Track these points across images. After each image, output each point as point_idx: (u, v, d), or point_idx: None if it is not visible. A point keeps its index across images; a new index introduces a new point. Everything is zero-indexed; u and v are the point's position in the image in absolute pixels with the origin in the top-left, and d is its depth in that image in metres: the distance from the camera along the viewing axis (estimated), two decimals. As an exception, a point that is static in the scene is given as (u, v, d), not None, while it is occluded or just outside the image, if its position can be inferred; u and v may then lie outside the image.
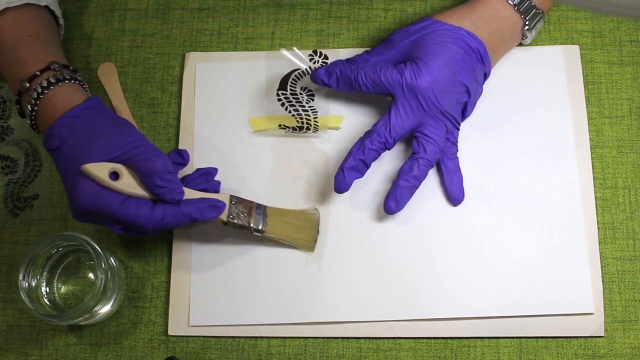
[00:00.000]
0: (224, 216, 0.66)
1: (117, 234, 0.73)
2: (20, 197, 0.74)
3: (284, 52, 0.75)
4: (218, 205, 0.65)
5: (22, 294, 0.65)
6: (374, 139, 0.67)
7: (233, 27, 0.79)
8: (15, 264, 0.73)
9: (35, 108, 0.65)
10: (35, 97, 0.64)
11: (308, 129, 0.73)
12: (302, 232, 0.70)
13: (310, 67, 0.75)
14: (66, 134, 0.63)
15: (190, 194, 0.65)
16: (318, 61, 0.76)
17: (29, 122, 0.67)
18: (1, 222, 0.74)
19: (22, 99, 0.66)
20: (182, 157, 0.69)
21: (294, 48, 0.75)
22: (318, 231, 0.71)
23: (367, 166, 0.68)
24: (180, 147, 0.75)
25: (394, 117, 0.67)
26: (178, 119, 0.76)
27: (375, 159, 0.68)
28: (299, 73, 0.75)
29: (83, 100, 0.65)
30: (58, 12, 0.71)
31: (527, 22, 0.71)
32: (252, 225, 0.67)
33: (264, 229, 0.68)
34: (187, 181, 0.69)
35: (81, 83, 0.68)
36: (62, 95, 0.65)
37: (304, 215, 0.71)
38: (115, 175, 0.62)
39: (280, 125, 0.74)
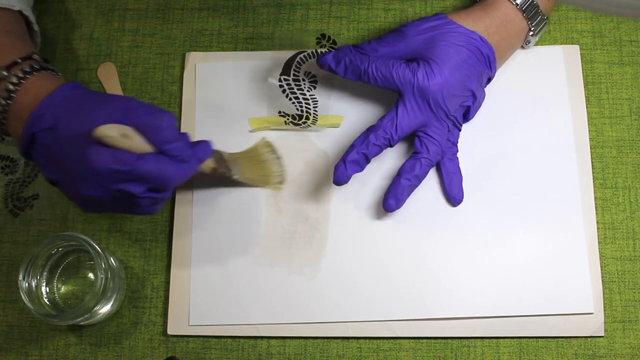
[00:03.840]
0: (211, 162, 0.64)
1: (116, 234, 0.73)
2: (20, 197, 0.74)
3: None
4: (210, 145, 0.64)
5: (22, 294, 0.65)
6: (379, 135, 0.67)
7: (233, 27, 0.79)
8: (15, 264, 0.73)
9: (12, 96, 0.62)
10: (16, 82, 0.62)
11: (307, 118, 0.73)
12: (267, 167, 0.71)
13: (316, 51, 0.75)
14: (60, 111, 0.60)
15: None
16: (325, 45, 0.75)
17: None
18: (1, 222, 0.74)
19: None
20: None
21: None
22: (279, 157, 0.71)
23: (368, 161, 0.68)
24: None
25: (401, 114, 0.67)
26: (178, 119, 0.76)
27: (377, 154, 0.68)
28: (304, 56, 0.75)
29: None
30: (32, 18, 0.69)
31: (532, 28, 0.71)
32: (233, 172, 0.67)
33: (239, 175, 0.68)
34: None
35: (59, 77, 0.65)
36: (47, 80, 0.63)
37: (257, 149, 0.71)
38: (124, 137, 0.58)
39: (280, 113, 0.73)
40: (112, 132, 0.57)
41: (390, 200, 0.68)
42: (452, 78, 0.67)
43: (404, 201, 0.68)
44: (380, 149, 0.68)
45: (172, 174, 0.59)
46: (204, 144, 0.64)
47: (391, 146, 0.68)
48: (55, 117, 0.60)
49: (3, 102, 0.62)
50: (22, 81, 0.62)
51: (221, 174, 0.66)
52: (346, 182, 0.68)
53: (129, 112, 0.59)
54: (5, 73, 0.62)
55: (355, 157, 0.67)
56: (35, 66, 0.63)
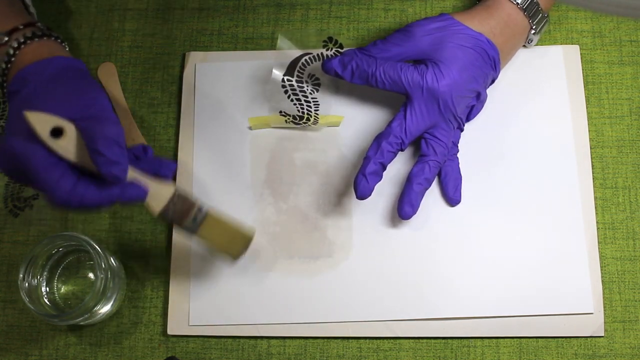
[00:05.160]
0: (157, 207, 0.60)
1: (116, 234, 0.73)
2: (20, 197, 0.74)
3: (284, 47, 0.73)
4: (141, 188, 0.59)
5: (22, 294, 0.65)
6: (391, 141, 0.67)
7: (233, 27, 0.79)
8: (15, 264, 0.73)
9: (12, 59, 0.61)
10: (16, 46, 0.62)
11: (308, 119, 0.73)
12: (232, 246, 0.65)
13: (322, 54, 0.72)
14: (33, 79, 0.59)
15: (133, 175, 0.59)
16: (332, 49, 0.72)
17: None
18: (1, 222, 0.74)
19: None
20: (144, 152, 0.62)
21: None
22: (246, 249, 0.65)
23: (385, 169, 0.68)
24: (180, 147, 0.75)
25: (410, 117, 0.67)
26: (178, 119, 0.76)
27: (391, 161, 0.68)
28: (309, 58, 0.74)
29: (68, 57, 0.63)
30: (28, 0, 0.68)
31: (534, 26, 0.71)
32: (184, 224, 0.62)
33: (196, 230, 0.63)
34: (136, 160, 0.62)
35: (64, 46, 0.65)
36: (48, 46, 0.63)
37: (241, 231, 0.65)
38: (57, 133, 0.55)
39: (281, 112, 0.73)
40: (39, 124, 0.55)
41: (407, 207, 0.68)
42: (460, 79, 0.67)
43: (419, 206, 0.68)
44: (394, 155, 0.68)
45: (66, 197, 0.56)
46: (166, 165, 0.60)
47: (402, 150, 0.68)
48: (25, 84, 0.59)
49: (4, 65, 0.62)
50: (22, 46, 0.62)
51: (169, 222, 0.60)
52: (369, 195, 0.67)
53: (83, 109, 0.58)
54: (6, 38, 0.62)
55: (373, 168, 0.66)
56: (38, 32, 0.63)
